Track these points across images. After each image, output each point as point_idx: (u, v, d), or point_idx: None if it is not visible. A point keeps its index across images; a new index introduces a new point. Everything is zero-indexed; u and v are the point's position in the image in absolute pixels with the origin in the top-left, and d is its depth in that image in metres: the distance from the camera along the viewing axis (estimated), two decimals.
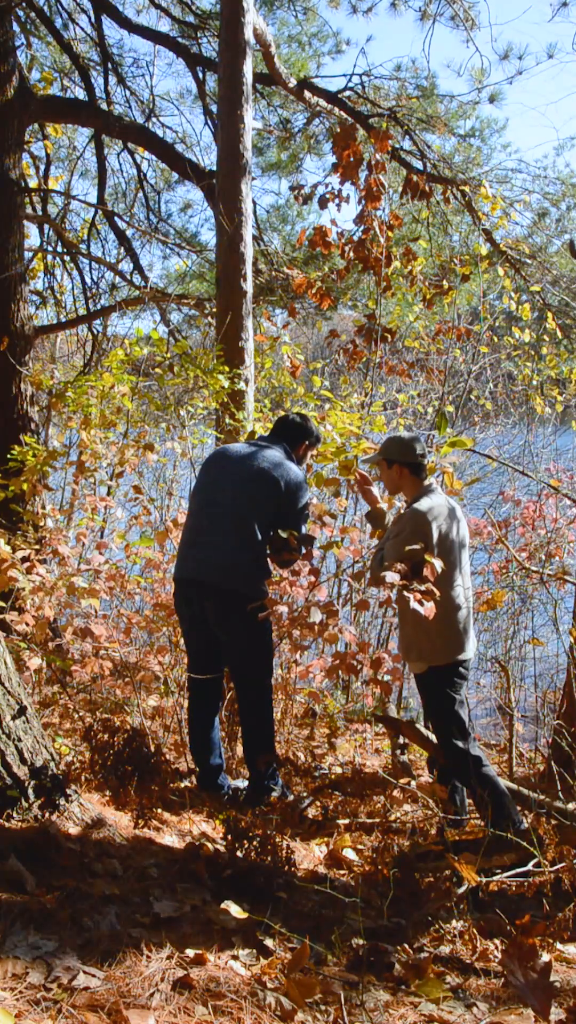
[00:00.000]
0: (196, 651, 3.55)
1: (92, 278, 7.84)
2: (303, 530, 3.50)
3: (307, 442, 3.71)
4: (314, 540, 3.62)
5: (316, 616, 3.12)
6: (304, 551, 3.38)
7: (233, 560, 3.33)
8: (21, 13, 6.81)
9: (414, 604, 2.89)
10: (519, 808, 3.19)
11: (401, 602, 3.19)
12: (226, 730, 4.04)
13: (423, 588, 2.95)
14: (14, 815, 2.20)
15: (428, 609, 2.91)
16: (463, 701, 3.27)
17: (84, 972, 1.70)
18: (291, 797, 3.50)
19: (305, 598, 3.29)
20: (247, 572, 3.34)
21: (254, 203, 7.38)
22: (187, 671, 3.61)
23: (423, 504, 3.17)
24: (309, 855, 2.94)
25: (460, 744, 3.15)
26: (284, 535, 3.36)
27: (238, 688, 3.52)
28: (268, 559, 3.47)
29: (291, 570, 3.47)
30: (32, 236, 7.98)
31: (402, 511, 3.37)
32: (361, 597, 4.22)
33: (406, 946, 2.23)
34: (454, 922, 2.42)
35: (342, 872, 2.86)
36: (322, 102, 6.92)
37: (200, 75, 7.20)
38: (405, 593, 2.90)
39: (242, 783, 3.61)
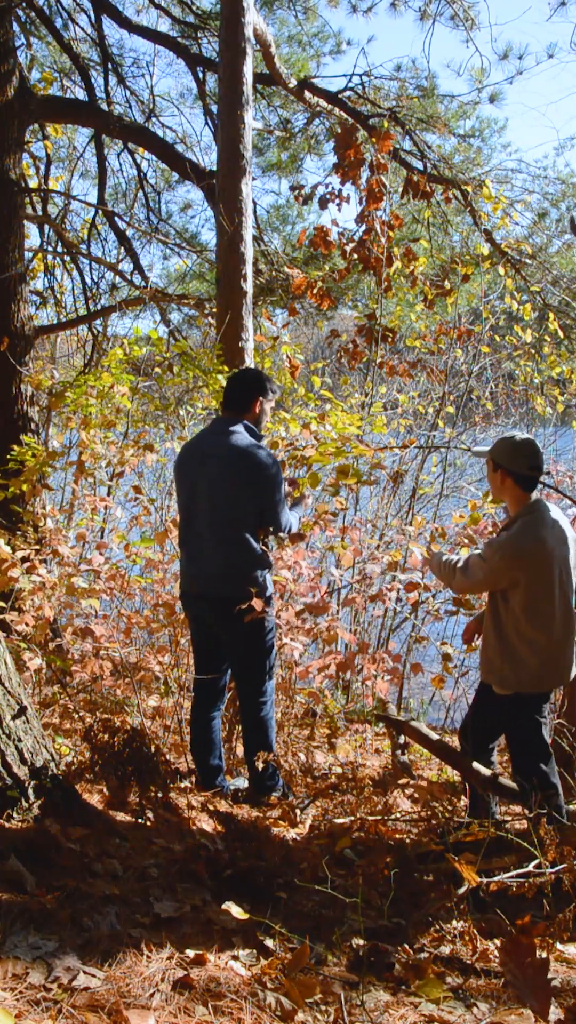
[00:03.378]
0: (201, 650, 3.56)
1: (92, 278, 7.86)
2: (285, 511, 3.39)
3: (260, 398, 3.44)
4: (304, 536, 3.59)
5: (306, 605, 3.12)
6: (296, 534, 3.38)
7: (227, 568, 3.30)
8: (21, 13, 6.81)
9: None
10: (520, 809, 3.17)
11: (487, 625, 3.02)
12: (226, 730, 4.04)
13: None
14: (14, 815, 2.20)
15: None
16: (547, 724, 3.05)
17: (84, 972, 1.70)
18: (291, 797, 3.50)
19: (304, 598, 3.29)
20: (244, 575, 3.32)
21: (254, 203, 7.38)
22: (194, 670, 3.61)
23: (525, 540, 2.87)
24: (309, 855, 2.93)
25: (544, 768, 2.97)
26: (275, 539, 3.35)
27: (240, 688, 3.51)
28: (264, 552, 3.41)
29: (291, 569, 3.47)
30: (32, 236, 8.00)
31: (499, 527, 3.08)
32: (354, 594, 4.20)
33: (406, 946, 2.22)
34: (454, 922, 2.42)
35: (342, 872, 2.86)
36: (322, 102, 6.92)
37: (200, 75, 7.21)
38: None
39: (242, 783, 3.61)
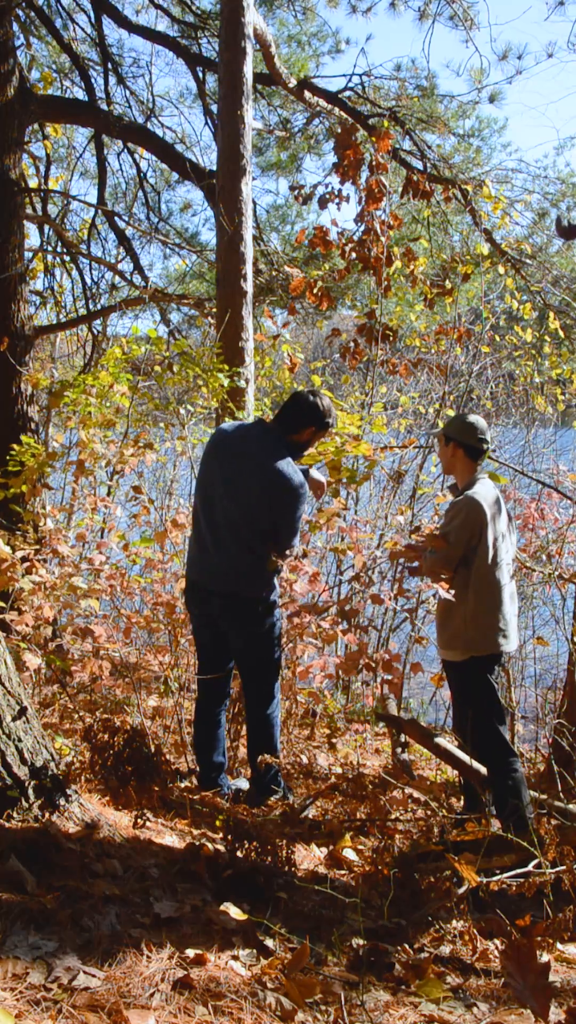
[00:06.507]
0: (205, 648, 3.55)
1: (92, 278, 7.85)
2: (297, 534, 3.38)
3: (314, 427, 3.37)
4: (324, 486, 3.58)
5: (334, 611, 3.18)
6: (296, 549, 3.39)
7: (235, 567, 3.31)
8: (21, 13, 6.81)
9: (443, 593, 3.01)
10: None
11: (447, 602, 3.23)
12: (228, 729, 4.04)
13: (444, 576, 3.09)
14: (14, 815, 2.19)
15: (449, 595, 3.04)
16: (500, 689, 3.31)
17: (84, 972, 1.69)
18: (291, 798, 3.50)
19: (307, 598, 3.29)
20: (251, 575, 3.32)
21: (254, 203, 7.38)
22: (197, 668, 3.61)
23: (478, 492, 3.20)
24: (309, 855, 2.93)
25: (503, 733, 3.20)
26: (276, 557, 3.32)
27: (246, 686, 3.51)
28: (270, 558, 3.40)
29: (291, 570, 3.47)
30: (32, 236, 8.00)
31: (449, 497, 3.43)
32: (364, 596, 4.21)
33: (406, 946, 2.22)
34: (454, 922, 2.42)
35: (342, 872, 2.86)
36: (322, 102, 6.92)
37: (200, 75, 7.21)
38: (436, 585, 3.00)
39: (243, 783, 3.61)
